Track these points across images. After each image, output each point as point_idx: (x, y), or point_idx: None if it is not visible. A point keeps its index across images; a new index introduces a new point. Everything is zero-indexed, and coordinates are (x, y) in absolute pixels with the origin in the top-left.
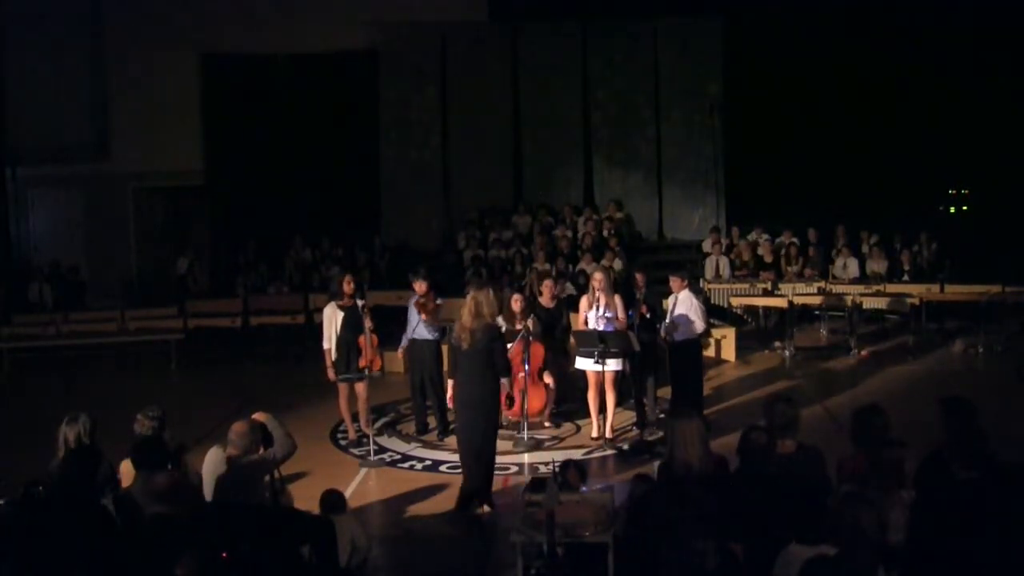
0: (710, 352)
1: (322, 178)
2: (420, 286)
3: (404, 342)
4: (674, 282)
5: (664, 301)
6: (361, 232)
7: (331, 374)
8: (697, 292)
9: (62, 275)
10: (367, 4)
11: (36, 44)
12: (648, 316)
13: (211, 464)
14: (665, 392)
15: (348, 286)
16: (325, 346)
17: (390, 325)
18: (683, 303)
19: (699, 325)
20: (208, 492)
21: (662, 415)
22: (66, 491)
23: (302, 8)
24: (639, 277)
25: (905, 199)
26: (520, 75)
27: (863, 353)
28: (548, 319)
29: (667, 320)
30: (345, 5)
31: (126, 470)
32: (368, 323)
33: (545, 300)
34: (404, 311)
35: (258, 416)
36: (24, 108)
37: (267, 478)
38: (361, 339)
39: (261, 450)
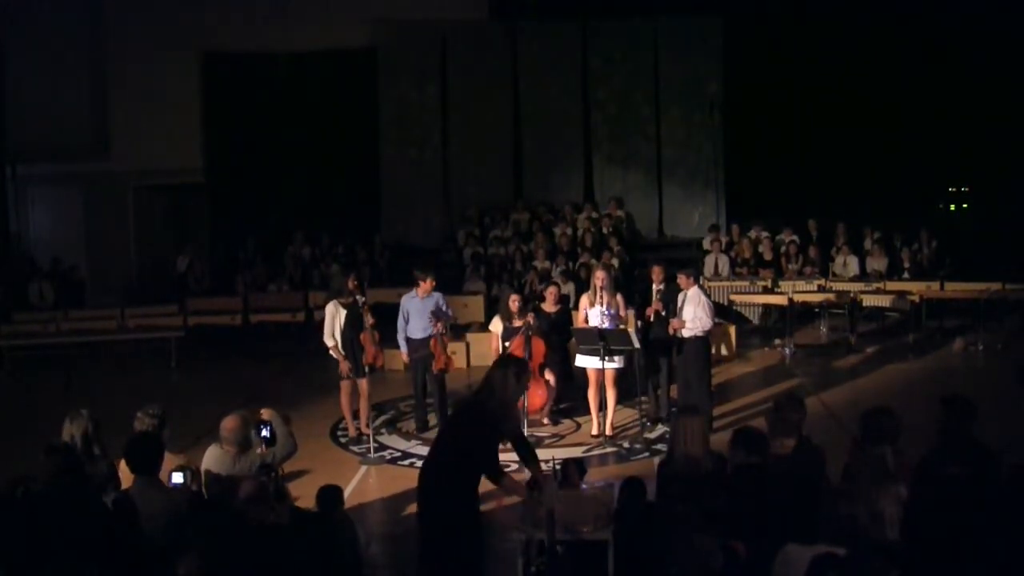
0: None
1: (322, 177)
2: (430, 283)
3: (404, 347)
4: (682, 279)
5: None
6: (361, 230)
7: (344, 367)
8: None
9: (62, 273)
10: (367, 3)
11: (36, 44)
12: (663, 314)
13: (210, 463)
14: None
15: (353, 284)
16: (329, 343)
17: (390, 322)
18: (692, 300)
19: (708, 322)
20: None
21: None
22: (53, 489)
23: (302, 7)
24: (656, 271)
25: (905, 197)
26: (520, 74)
27: (852, 340)
28: (551, 325)
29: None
30: (345, 4)
31: (127, 469)
32: (369, 319)
33: (548, 306)
34: None
35: (264, 413)
36: (24, 108)
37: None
38: (363, 336)
39: (262, 448)
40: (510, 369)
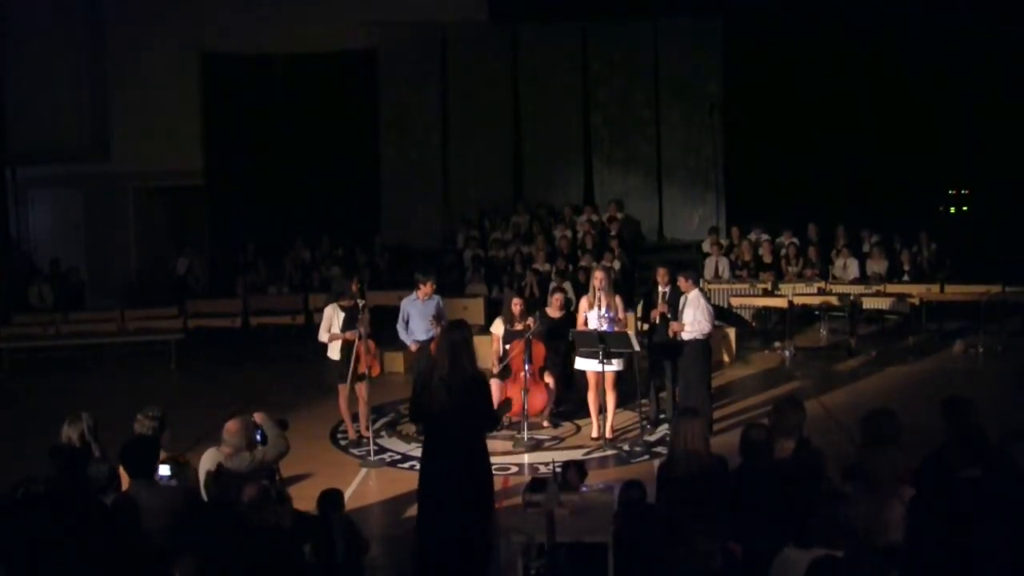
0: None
1: (322, 178)
2: (430, 287)
3: (408, 339)
4: (683, 282)
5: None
6: (361, 232)
7: (350, 334)
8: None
9: (62, 275)
10: (367, 4)
11: (36, 44)
12: (668, 316)
13: (207, 464)
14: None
15: (356, 287)
16: (323, 339)
17: (389, 324)
18: (692, 303)
19: (707, 326)
20: (204, 493)
21: (662, 415)
22: (54, 490)
23: (302, 8)
24: (661, 273)
25: (905, 199)
26: (520, 75)
27: (852, 343)
28: (554, 330)
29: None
30: (345, 5)
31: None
32: (363, 328)
33: (553, 311)
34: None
35: (257, 417)
36: (24, 108)
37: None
38: (359, 345)
39: (256, 447)
40: (461, 330)
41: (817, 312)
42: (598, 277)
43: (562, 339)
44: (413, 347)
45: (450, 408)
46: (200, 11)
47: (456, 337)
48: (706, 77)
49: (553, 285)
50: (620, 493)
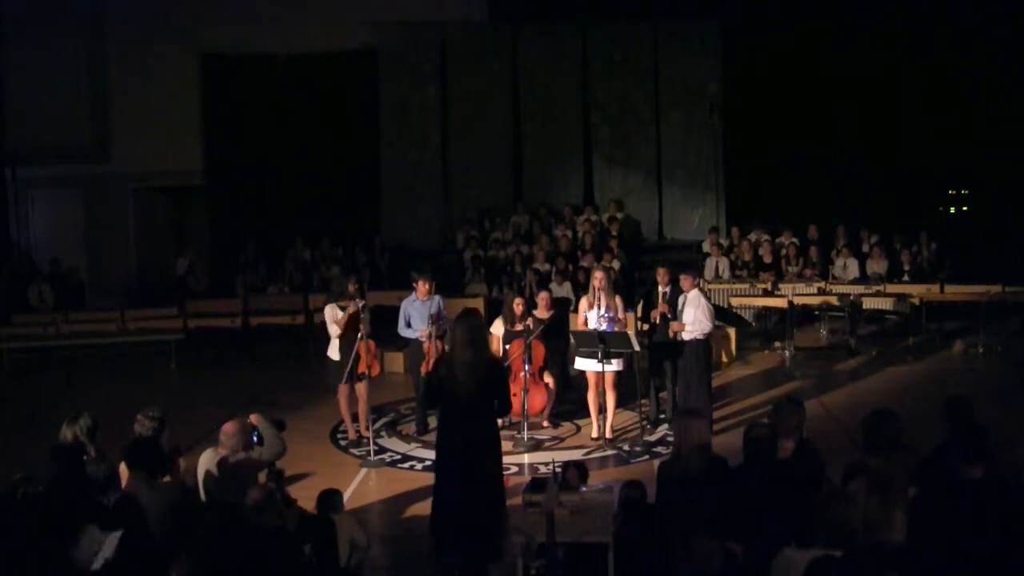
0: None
1: (322, 178)
2: (424, 284)
3: (413, 333)
4: (684, 281)
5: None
6: (361, 232)
7: (352, 307)
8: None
9: (62, 275)
10: (367, 4)
11: (36, 44)
12: (669, 316)
13: (205, 465)
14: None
15: (353, 288)
16: (331, 332)
17: (390, 324)
18: (692, 303)
19: (707, 325)
20: (203, 493)
21: (662, 415)
22: (53, 490)
23: (302, 8)
24: (662, 272)
25: (905, 199)
26: (520, 75)
27: (852, 343)
28: (545, 329)
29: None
30: (345, 5)
31: (126, 471)
32: (363, 328)
33: (541, 312)
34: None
35: (252, 418)
36: (24, 108)
37: (262, 479)
38: (359, 345)
39: (252, 449)
40: (475, 316)
41: (817, 312)
42: (598, 277)
43: (560, 338)
44: (423, 334)
45: (472, 393)
46: (200, 11)
47: (473, 322)
48: (706, 77)
49: (551, 286)
50: (620, 493)
